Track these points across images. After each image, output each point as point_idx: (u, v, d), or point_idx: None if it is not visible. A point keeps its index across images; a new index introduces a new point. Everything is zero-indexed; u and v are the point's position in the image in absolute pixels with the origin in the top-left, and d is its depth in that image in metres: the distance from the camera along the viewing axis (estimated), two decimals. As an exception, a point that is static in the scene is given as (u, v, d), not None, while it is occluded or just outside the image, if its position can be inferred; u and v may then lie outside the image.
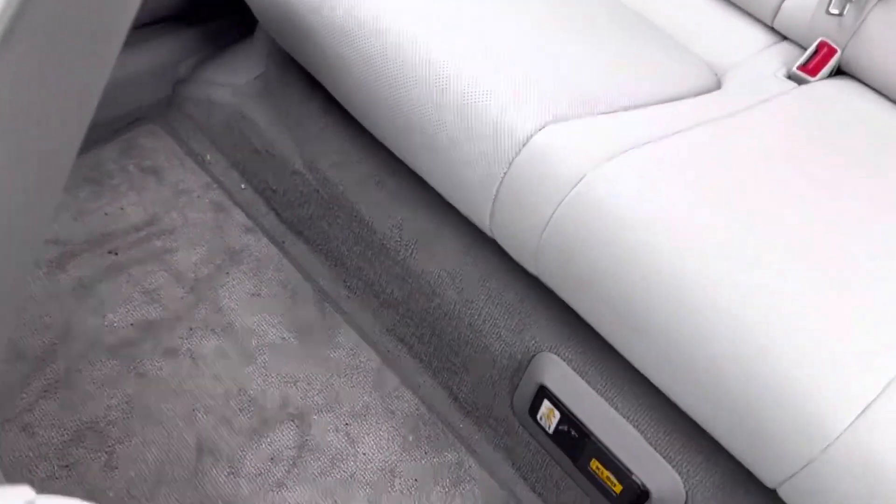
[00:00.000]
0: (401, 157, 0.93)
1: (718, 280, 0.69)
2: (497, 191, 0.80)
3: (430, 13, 0.88)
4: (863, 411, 0.63)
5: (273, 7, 0.99)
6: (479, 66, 0.84)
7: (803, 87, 1.02)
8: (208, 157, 1.22)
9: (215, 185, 1.19)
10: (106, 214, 1.11)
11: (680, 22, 1.13)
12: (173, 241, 1.10)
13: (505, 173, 0.78)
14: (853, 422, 0.63)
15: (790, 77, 1.05)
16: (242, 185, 1.20)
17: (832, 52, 1.06)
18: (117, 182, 1.15)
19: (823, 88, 1.02)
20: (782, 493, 0.69)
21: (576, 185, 0.75)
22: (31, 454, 0.86)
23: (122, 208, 1.12)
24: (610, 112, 0.85)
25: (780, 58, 1.09)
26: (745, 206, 0.75)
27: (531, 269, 0.84)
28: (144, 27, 1.22)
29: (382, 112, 0.90)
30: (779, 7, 1.09)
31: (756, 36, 1.12)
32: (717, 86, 1.05)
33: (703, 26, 1.13)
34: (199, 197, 1.17)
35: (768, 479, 0.69)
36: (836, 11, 1.03)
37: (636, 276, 0.72)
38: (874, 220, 0.78)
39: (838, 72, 1.09)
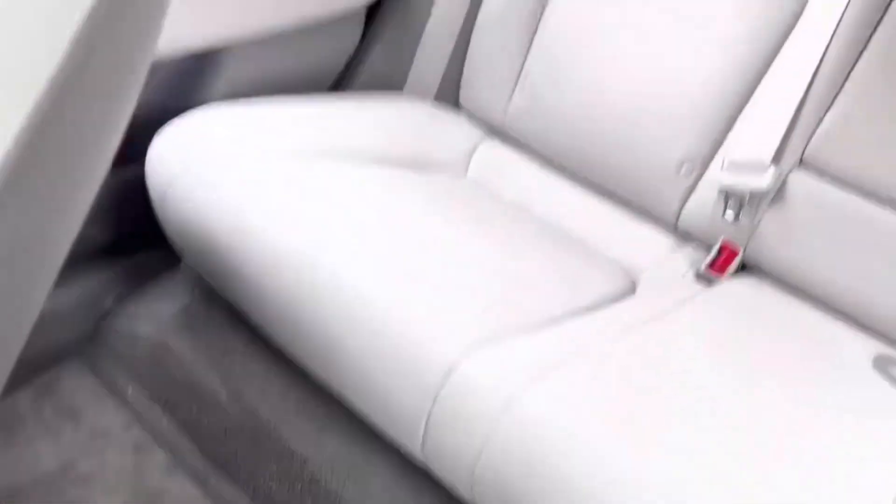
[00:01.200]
0: (329, 389, 0.91)
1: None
2: (426, 424, 0.78)
3: (353, 244, 0.91)
4: None
5: (195, 242, 1.01)
6: (400, 294, 0.85)
7: (712, 288, 1.06)
8: (130, 390, 1.18)
9: (136, 424, 1.14)
10: (15, 465, 1.03)
11: (593, 231, 1.19)
12: (89, 489, 1.03)
13: (432, 407, 0.77)
14: None
15: (699, 276, 1.09)
16: (165, 421, 1.15)
17: (735, 252, 1.11)
18: (31, 428, 1.09)
19: (730, 288, 1.06)
20: None
21: (503, 412, 0.75)
22: None
23: (34, 457, 1.05)
24: (531, 331, 0.86)
25: (687, 259, 1.14)
26: (677, 419, 0.76)
27: (469, 500, 0.81)
28: (66, 263, 1.21)
29: (306, 343, 0.90)
30: (679, 212, 1.14)
31: (664, 239, 1.18)
32: (633, 289, 1.09)
33: (614, 233, 1.19)
34: (118, 438, 1.11)
35: None
36: (730, 218, 1.08)
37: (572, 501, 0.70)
38: (800, 429, 0.79)
39: (745, 266, 1.12)
